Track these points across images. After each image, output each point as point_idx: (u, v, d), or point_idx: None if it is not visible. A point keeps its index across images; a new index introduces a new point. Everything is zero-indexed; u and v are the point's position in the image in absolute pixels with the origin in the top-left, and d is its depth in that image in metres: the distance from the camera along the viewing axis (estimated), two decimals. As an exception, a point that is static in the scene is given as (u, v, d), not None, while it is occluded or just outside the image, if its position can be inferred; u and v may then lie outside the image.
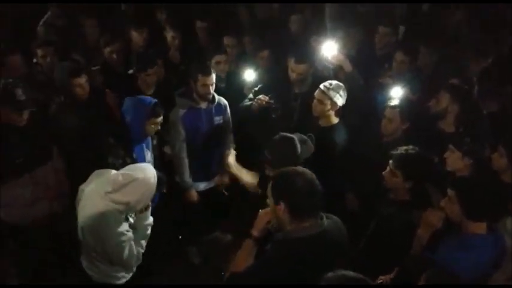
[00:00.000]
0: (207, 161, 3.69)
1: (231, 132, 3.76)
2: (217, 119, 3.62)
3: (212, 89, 3.46)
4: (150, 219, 2.69)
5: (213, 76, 3.42)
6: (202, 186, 3.77)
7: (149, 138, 3.29)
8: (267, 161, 2.65)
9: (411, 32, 4.63)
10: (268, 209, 2.12)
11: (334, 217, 2.15)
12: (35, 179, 3.02)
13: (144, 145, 3.22)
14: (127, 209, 2.48)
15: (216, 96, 3.58)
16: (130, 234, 2.53)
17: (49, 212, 3.13)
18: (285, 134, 2.69)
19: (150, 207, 2.68)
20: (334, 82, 3.31)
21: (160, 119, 3.13)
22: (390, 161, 2.69)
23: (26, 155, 2.95)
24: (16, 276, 2.04)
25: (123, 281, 2.72)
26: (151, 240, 2.72)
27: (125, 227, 2.50)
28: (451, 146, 2.80)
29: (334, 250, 2.03)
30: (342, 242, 2.12)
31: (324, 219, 2.05)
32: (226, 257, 3.73)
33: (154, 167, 3.16)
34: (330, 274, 1.66)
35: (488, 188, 2.26)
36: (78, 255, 2.67)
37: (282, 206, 1.98)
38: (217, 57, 3.95)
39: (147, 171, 2.50)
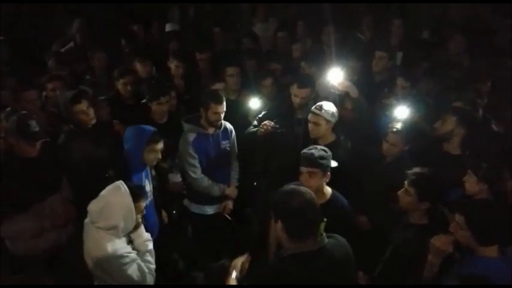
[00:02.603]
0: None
1: (236, 156, 3.83)
2: (224, 143, 3.70)
3: (222, 117, 3.55)
4: (147, 235, 2.71)
5: (224, 104, 3.51)
6: (210, 210, 3.79)
7: (148, 169, 3.26)
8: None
9: (410, 58, 4.72)
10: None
11: (338, 236, 2.15)
12: (44, 210, 3.03)
13: (143, 174, 3.18)
14: (121, 232, 2.50)
15: (223, 121, 3.65)
16: (133, 255, 2.54)
17: (56, 242, 3.12)
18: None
19: (142, 225, 2.70)
20: (324, 102, 3.40)
21: (159, 146, 3.11)
22: (405, 181, 2.70)
23: (35, 186, 2.97)
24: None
25: None
26: (159, 264, 2.73)
27: (125, 249, 2.52)
28: (469, 171, 2.79)
29: (335, 268, 2.03)
30: (345, 260, 2.11)
31: (324, 236, 2.06)
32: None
33: (154, 198, 3.23)
34: None
35: (497, 213, 2.24)
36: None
37: (279, 224, 2.03)
38: (217, 85, 4.08)
39: (116, 190, 2.51)
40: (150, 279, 2.61)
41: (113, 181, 2.61)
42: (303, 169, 2.75)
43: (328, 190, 2.82)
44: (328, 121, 3.36)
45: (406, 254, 2.59)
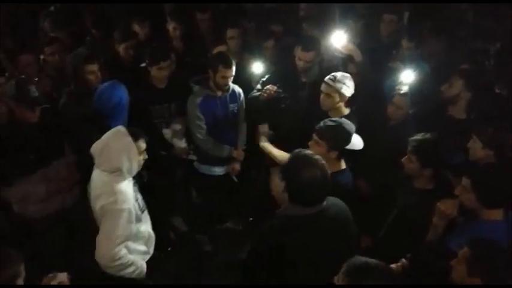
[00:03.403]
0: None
1: (244, 119, 3.81)
2: (232, 106, 3.68)
3: (230, 81, 3.50)
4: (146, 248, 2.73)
5: (234, 69, 3.45)
6: (218, 171, 3.81)
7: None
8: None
9: (416, 17, 4.59)
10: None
11: (333, 198, 2.14)
12: (49, 175, 3.04)
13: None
14: (126, 173, 2.51)
15: (231, 85, 3.60)
16: (131, 208, 2.50)
17: (62, 206, 3.15)
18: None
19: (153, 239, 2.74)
20: (339, 73, 3.25)
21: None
22: (408, 148, 2.70)
23: (39, 151, 2.97)
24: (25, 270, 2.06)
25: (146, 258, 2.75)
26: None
27: (130, 194, 2.52)
28: (474, 136, 2.75)
29: (333, 228, 2.05)
30: (342, 221, 2.12)
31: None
32: (236, 246, 3.81)
33: None
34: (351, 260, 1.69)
35: (503, 176, 2.25)
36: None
37: (283, 185, 2.02)
38: (219, 48, 3.99)
39: (114, 132, 2.53)
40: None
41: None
42: (314, 135, 2.69)
43: (339, 164, 2.71)
44: (341, 94, 3.19)
45: (410, 218, 2.62)
